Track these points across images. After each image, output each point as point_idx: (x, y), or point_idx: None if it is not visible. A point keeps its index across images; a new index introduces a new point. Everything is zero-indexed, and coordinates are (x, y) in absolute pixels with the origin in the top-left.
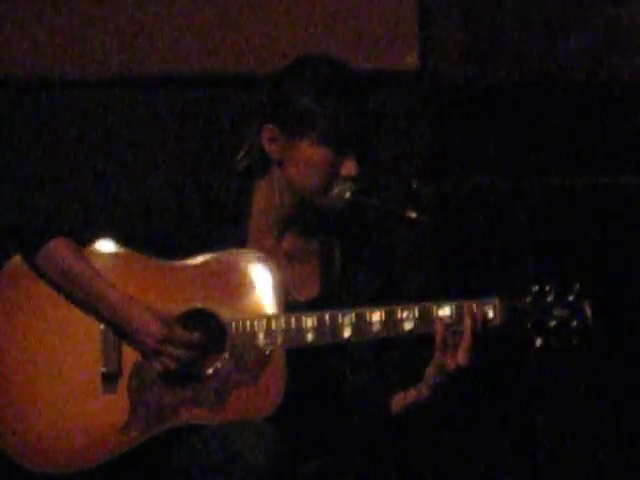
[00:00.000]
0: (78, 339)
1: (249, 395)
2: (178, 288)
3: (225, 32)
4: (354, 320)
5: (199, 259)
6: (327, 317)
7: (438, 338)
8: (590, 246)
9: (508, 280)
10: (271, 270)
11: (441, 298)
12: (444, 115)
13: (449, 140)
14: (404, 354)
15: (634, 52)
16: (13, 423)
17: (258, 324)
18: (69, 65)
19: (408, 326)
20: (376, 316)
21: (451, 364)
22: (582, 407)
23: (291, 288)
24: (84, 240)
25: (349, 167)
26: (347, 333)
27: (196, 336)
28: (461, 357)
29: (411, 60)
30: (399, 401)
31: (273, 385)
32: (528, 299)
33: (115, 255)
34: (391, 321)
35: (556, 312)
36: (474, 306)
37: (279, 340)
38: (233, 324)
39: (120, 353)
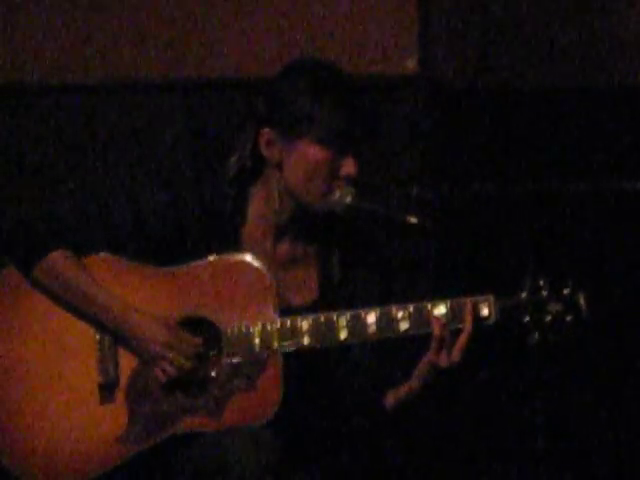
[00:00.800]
0: (73, 350)
1: (247, 401)
2: (172, 295)
3: (225, 37)
4: (349, 321)
5: (192, 265)
6: (322, 319)
7: (436, 338)
8: (584, 241)
9: (502, 278)
10: (264, 274)
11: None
12: (444, 121)
13: (449, 146)
14: (400, 353)
15: (636, 57)
16: (10, 436)
17: (253, 329)
18: (65, 71)
19: (404, 326)
20: (371, 317)
21: (445, 362)
22: (579, 402)
23: (288, 293)
24: (82, 251)
25: (348, 167)
26: (343, 335)
27: (199, 340)
28: (455, 356)
29: (411, 65)
30: (390, 396)
31: (271, 390)
32: (523, 295)
33: (111, 264)
34: (386, 321)
35: (551, 307)
36: (469, 304)
37: (275, 344)
38: (228, 330)
39: (116, 363)
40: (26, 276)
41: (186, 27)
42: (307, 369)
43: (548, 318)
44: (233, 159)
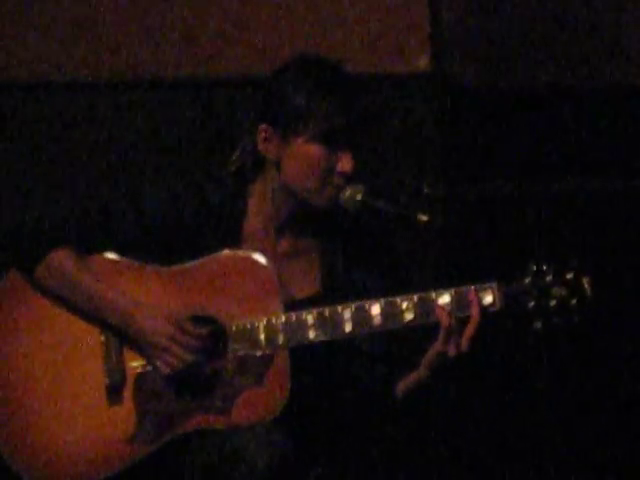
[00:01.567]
0: (79, 353)
1: (255, 397)
2: (176, 294)
3: (235, 34)
4: (354, 313)
5: (196, 263)
6: (327, 312)
7: (443, 328)
8: (588, 227)
9: (506, 266)
10: (268, 270)
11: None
12: (455, 118)
13: (460, 143)
14: (407, 344)
15: None
16: (17, 440)
17: (259, 324)
18: (70, 68)
19: (409, 316)
20: (376, 308)
21: (453, 351)
22: (582, 385)
23: (290, 286)
24: (84, 251)
25: (344, 163)
26: (348, 327)
27: (205, 331)
28: (464, 345)
29: (423, 63)
30: (400, 386)
31: (278, 386)
32: (526, 280)
33: (113, 264)
34: (391, 312)
35: (555, 291)
36: (473, 291)
37: (281, 339)
38: (233, 327)
39: (123, 364)
40: (29, 277)
41: (195, 24)
42: (314, 363)
43: (553, 303)
44: (234, 156)
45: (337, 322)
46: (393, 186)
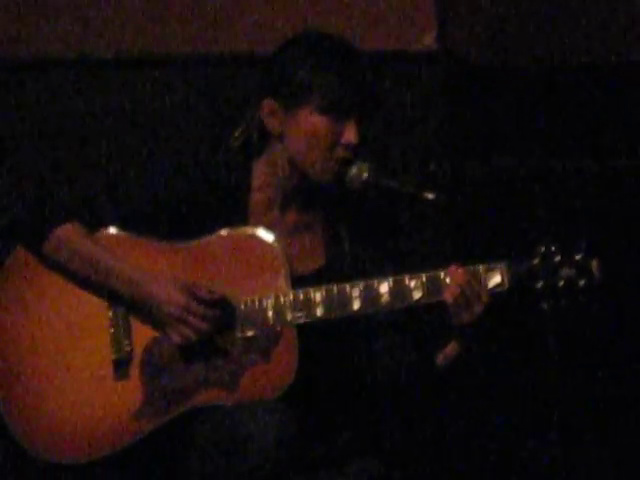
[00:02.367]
0: (86, 327)
1: (262, 374)
2: (183, 270)
3: (240, 12)
4: (363, 292)
5: (203, 240)
6: (335, 290)
7: (452, 304)
8: (594, 204)
9: (515, 245)
10: (276, 247)
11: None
12: (462, 96)
13: (466, 121)
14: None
15: None
16: (26, 415)
17: (267, 302)
18: (68, 44)
19: (417, 295)
20: (384, 287)
21: (468, 318)
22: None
23: (296, 261)
24: (91, 225)
25: (349, 134)
26: (356, 305)
27: (218, 297)
28: (479, 309)
29: (429, 41)
30: (440, 357)
31: (285, 363)
32: (535, 261)
33: (120, 239)
34: (400, 291)
35: (564, 272)
36: (481, 270)
37: (289, 316)
38: (242, 304)
39: (130, 339)
40: (37, 254)
41: (200, 2)
42: (323, 340)
43: (561, 283)
44: (238, 131)
45: (345, 300)
46: (399, 164)
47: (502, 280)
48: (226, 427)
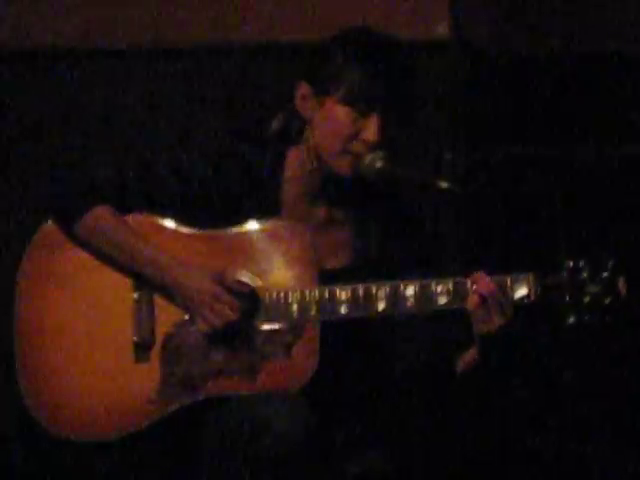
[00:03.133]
0: (110, 308)
1: (282, 366)
2: (212, 258)
3: (257, 1)
4: (388, 293)
5: (233, 230)
6: (361, 290)
7: (477, 311)
8: (623, 220)
9: (540, 255)
10: (306, 241)
11: (474, 270)
12: (475, 85)
13: (480, 110)
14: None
15: None
16: (42, 390)
17: (292, 296)
18: (99, 34)
19: (442, 300)
20: (410, 290)
21: (495, 325)
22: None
23: (324, 256)
24: (123, 210)
25: (369, 132)
26: (381, 306)
27: (247, 288)
28: (507, 312)
29: (441, 30)
30: (459, 362)
31: (307, 357)
32: (562, 275)
33: (150, 224)
34: (426, 295)
35: (590, 289)
36: (508, 281)
37: (313, 312)
38: (267, 295)
39: (153, 323)
40: (68, 231)
41: None
42: (345, 337)
43: (587, 299)
44: (275, 119)
45: (370, 300)
46: (413, 153)
47: (529, 292)
48: (243, 416)
